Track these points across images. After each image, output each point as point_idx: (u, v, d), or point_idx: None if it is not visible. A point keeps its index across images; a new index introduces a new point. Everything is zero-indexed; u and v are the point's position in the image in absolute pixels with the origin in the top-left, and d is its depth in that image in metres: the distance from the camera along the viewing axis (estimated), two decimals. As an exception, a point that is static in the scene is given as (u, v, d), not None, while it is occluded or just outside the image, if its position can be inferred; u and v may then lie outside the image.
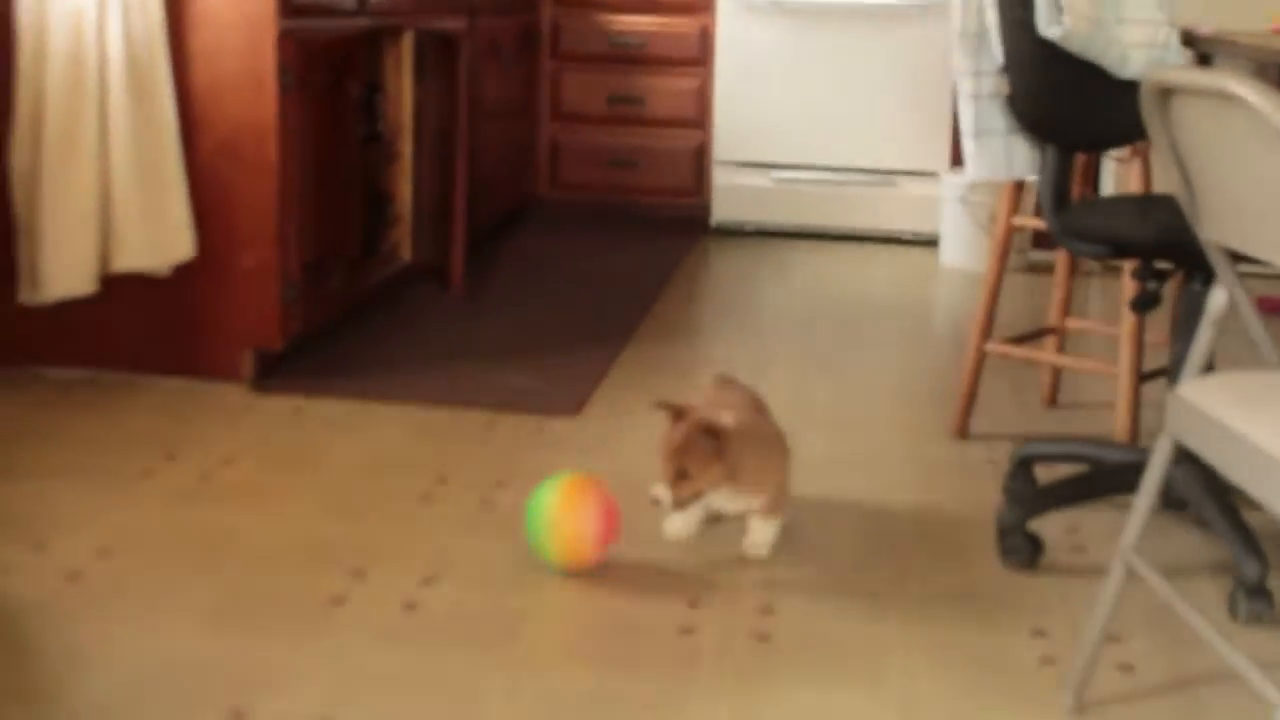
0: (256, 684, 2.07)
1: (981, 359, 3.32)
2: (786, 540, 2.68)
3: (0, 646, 2.16)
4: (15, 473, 2.81)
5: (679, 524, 2.64)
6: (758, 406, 2.67)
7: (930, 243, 5.63)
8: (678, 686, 2.13)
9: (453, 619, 2.31)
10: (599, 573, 2.49)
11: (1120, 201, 2.75)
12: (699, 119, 5.72)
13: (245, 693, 2.04)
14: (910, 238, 5.69)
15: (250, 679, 2.09)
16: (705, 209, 5.76)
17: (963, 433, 3.33)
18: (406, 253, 4.39)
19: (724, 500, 2.53)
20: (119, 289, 3.38)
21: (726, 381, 2.75)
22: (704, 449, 2.43)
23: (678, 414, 2.47)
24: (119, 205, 3.24)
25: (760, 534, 2.59)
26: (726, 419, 2.48)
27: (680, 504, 2.45)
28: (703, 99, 5.71)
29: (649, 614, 2.35)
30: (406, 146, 4.32)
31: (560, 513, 2.44)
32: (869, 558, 2.62)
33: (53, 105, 3.17)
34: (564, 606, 2.36)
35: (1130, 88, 2.69)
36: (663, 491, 2.44)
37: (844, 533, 2.75)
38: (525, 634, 2.26)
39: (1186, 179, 1.86)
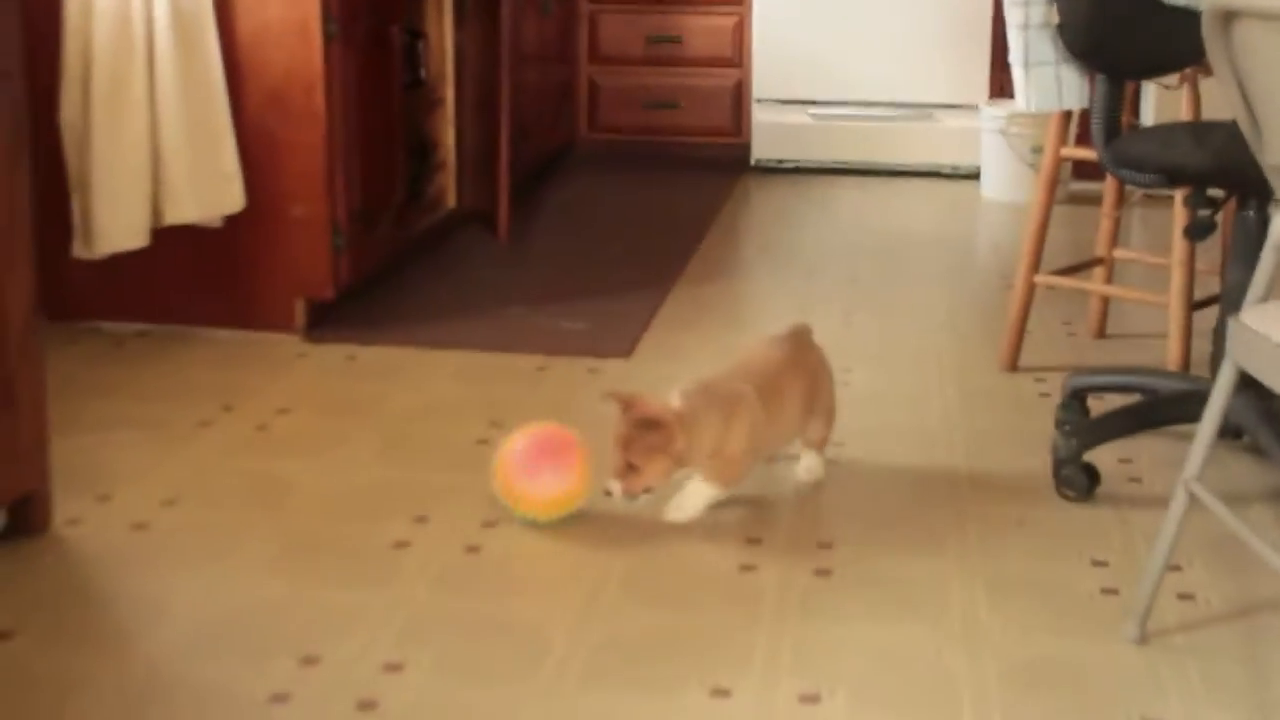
0: (325, 629, 2.09)
1: (1031, 291, 3.29)
2: (841, 476, 2.68)
3: (74, 597, 2.19)
4: (76, 426, 2.83)
5: (688, 508, 2.51)
6: (788, 369, 2.51)
7: (971, 176, 5.57)
8: (741, 623, 2.13)
9: (515, 561, 2.32)
10: (657, 515, 2.48)
11: (1173, 129, 2.71)
12: (737, 57, 5.67)
13: (315, 639, 2.06)
14: (950, 171, 5.63)
15: (319, 625, 2.10)
16: (745, 148, 5.71)
17: (1012, 366, 3.31)
18: (451, 199, 4.37)
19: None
20: (170, 242, 3.38)
21: (782, 339, 2.61)
22: (647, 442, 2.36)
23: (625, 404, 2.39)
24: (169, 158, 3.24)
25: (688, 497, 2.46)
26: (673, 405, 2.39)
27: (631, 496, 2.39)
28: (741, 37, 5.65)
29: (709, 553, 2.35)
30: (448, 92, 4.30)
31: (500, 480, 2.43)
32: (924, 493, 2.62)
33: (100, 60, 3.16)
34: (624, 547, 2.37)
35: (1182, 13, 2.64)
36: (614, 485, 2.39)
37: (897, 468, 2.74)
38: (587, 575, 2.27)
39: (1248, 105, 1.83)
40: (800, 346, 2.64)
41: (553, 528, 2.43)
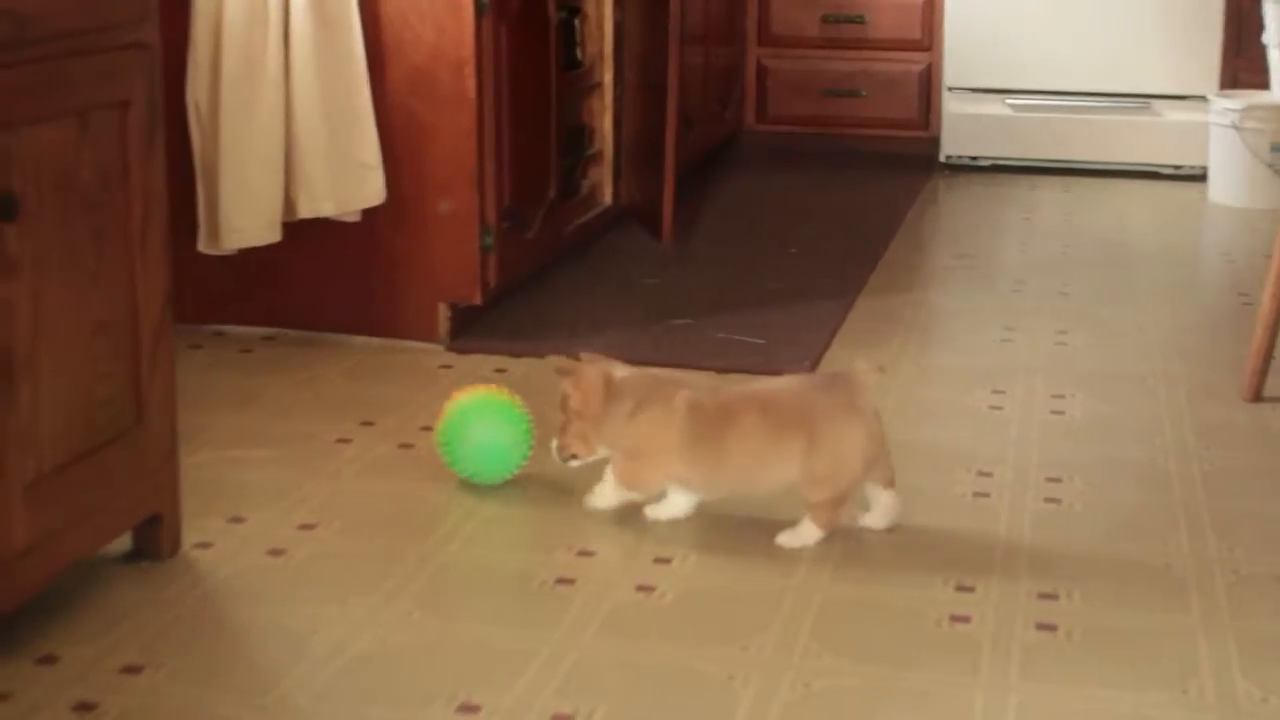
0: (483, 674, 2.08)
1: (1279, 309, 3.19)
2: (1062, 517, 2.62)
3: (205, 628, 2.21)
4: (206, 440, 2.87)
5: (670, 506, 2.57)
6: (775, 413, 2.48)
7: (1195, 177, 5.45)
8: (956, 681, 2.08)
9: (693, 601, 2.29)
10: (844, 546, 2.44)
11: None
12: (927, 39, 5.61)
13: (472, 683, 2.05)
14: (1171, 172, 5.51)
15: (476, 668, 2.09)
16: (934, 142, 5.65)
17: (1257, 395, 3.21)
18: (607, 195, 4.38)
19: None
20: (303, 237, 3.42)
21: (816, 384, 2.59)
22: (566, 398, 2.54)
23: (565, 368, 2.58)
24: (304, 145, 3.28)
25: (602, 486, 2.58)
26: (612, 373, 2.53)
27: (561, 457, 2.56)
28: (931, 16, 5.59)
29: (914, 599, 2.30)
30: (606, 76, 4.31)
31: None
32: (1159, 538, 2.54)
33: (231, 36, 3.21)
34: (816, 586, 2.33)
35: None
36: (553, 441, 2.58)
37: (1126, 509, 2.67)
38: (776, 619, 2.23)
39: None
40: (816, 397, 2.51)
41: (735, 563, 2.40)
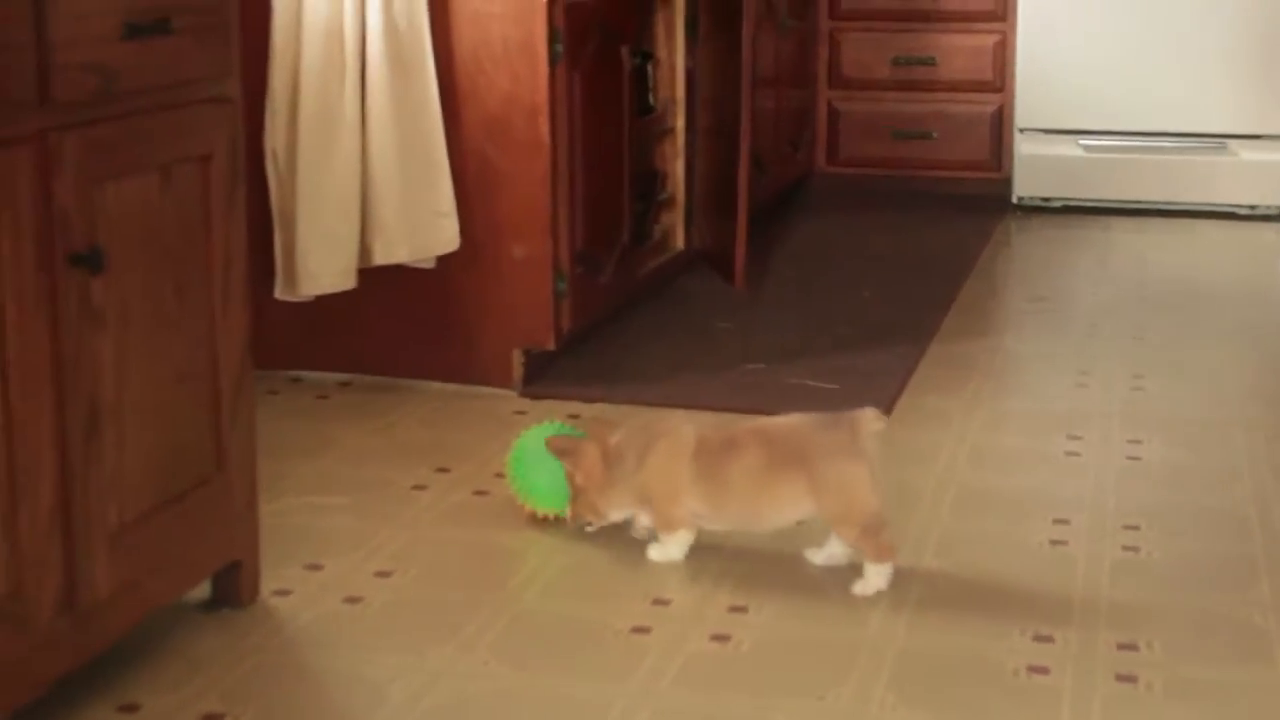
0: (561, 723, 2.08)
1: (1362, 354, 3.16)
2: (1138, 566, 2.59)
3: (284, 676, 2.23)
4: (284, 487, 2.89)
5: (669, 549, 2.61)
6: (780, 446, 2.54)
7: (1272, 217, 5.40)
8: (1036, 736, 2.07)
9: (769, 651, 2.29)
10: (920, 594, 2.43)
11: None
12: (999, 80, 5.60)
13: (549, 733, 2.06)
14: (1248, 212, 5.46)
15: (551, 718, 2.10)
16: (1006, 183, 5.63)
17: (1339, 441, 3.18)
18: (679, 239, 4.39)
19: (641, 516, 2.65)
20: (378, 284, 3.45)
21: (816, 421, 2.59)
22: (571, 475, 2.63)
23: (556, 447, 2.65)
24: (380, 192, 3.31)
25: (657, 548, 2.62)
26: (608, 440, 2.62)
27: (577, 525, 2.66)
28: (1002, 57, 5.58)
29: (992, 649, 2.29)
30: (679, 120, 4.33)
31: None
32: (1240, 588, 2.51)
33: (309, 84, 3.25)
34: (892, 636, 2.32)
35: None
36: (567, 509, 2.69)
37: (1205, 559, 2.64)
38: (855, 669, 2.22)
39: None
40: (816, 436, 2.54)
41: (811, 617, 2.40)
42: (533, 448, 2.73)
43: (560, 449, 2.63)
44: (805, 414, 2.63)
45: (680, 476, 2.57)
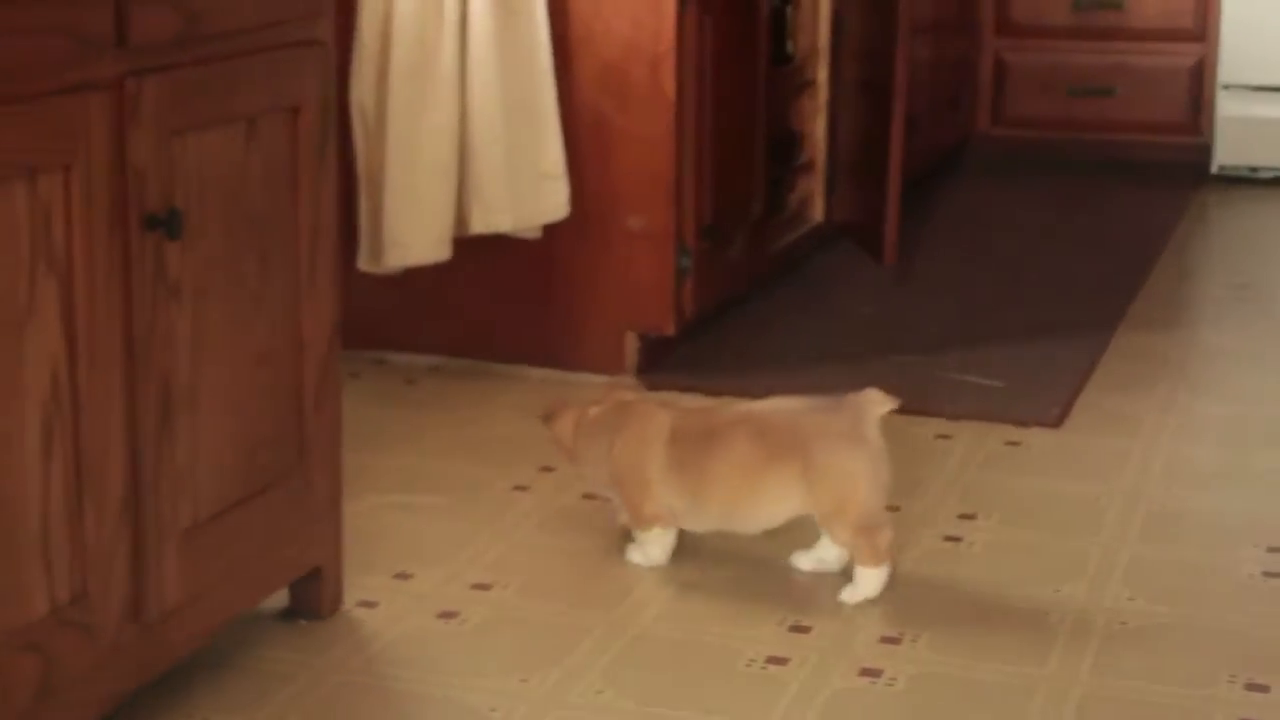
0: (686, 763, 2.12)
1: None
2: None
3: (373, 696, 2.29)
4: (368, 484, 2.96)
5: (648, 549, 2.68)
6: (768, 435, 2.59)
7: None
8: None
9: (927, 690, 2.31)
10: (1107, 628, 2.44)
11: None
12: (1199, 28, 5.56)
13: (673, 773, 2.09)
14: None
15: (677, 756, 2.14)
16: (1206, 149, 5.60)
17: None
18: (819, 210, 4.42)
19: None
20: (476, 255, 3.51)
21: (819, 406, 2.65)
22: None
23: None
24: (480, 151, 3.36)
25: (635, 549, 2.69)
26: (590, 410, 2.70)
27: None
28: (1205, 1, 5.54)
29: (1189, 696, 2.30)
30: (821, 72, 4.35)
31: None
32: None
33: (401, 29, 3.31)
34: (1077, 674, 2.33)
35: None
36: None
37: None
38: (1029, 718, 2.25)
39: None
40: (815, 421, 2.59)
41: (960, 643, 2.42)
42: None
43: (544, 412, 2.76)
44: (798, 396, 2.67)
45: (650, 466, 2.62)
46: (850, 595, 2.56)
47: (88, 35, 1.89)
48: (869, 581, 2.56)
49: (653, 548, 2.67)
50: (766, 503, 2.60)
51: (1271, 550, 2.77)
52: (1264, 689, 2.33)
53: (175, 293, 2.06)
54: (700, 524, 2.67)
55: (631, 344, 3.54)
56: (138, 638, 2.05)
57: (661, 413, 2.68)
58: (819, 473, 2.55)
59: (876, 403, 2.58)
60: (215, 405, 2.16)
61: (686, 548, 2.73)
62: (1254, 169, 5.56)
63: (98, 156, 1.92)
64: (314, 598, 2.45)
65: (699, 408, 2.76)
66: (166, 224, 2.01)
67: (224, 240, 2.16)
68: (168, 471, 2.07)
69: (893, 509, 2.90)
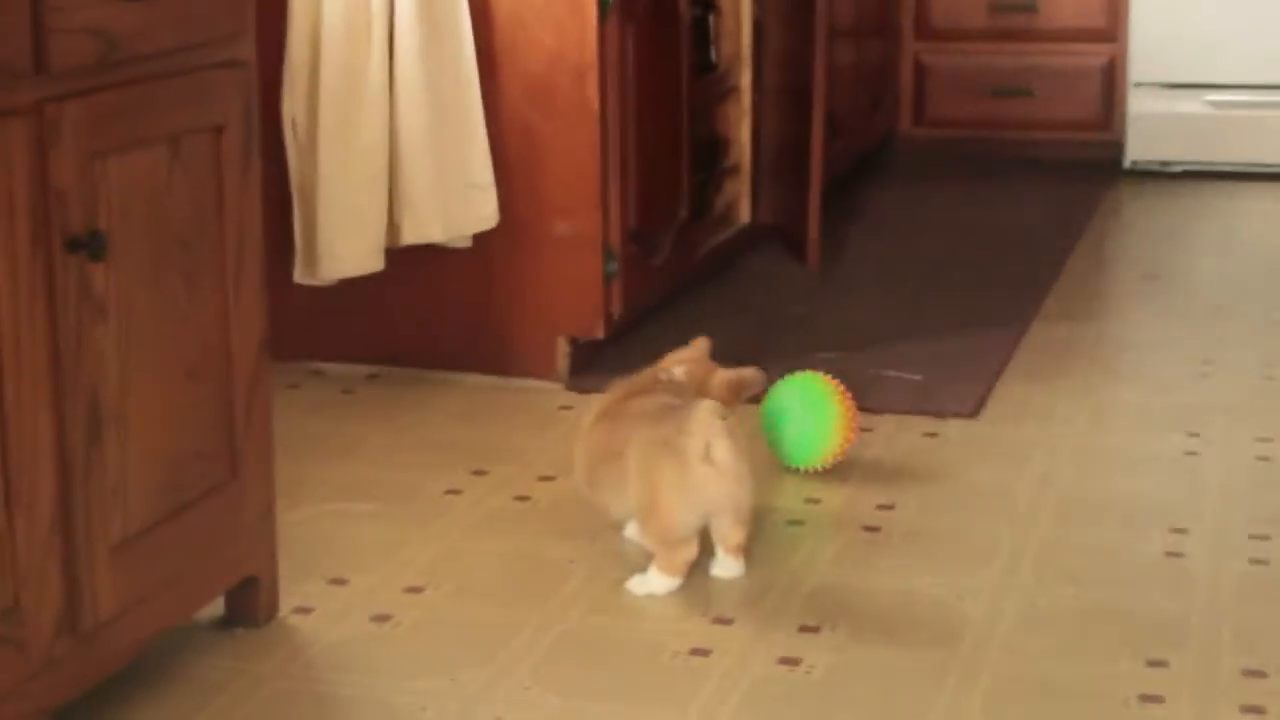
0: (612, 756, 2.12)
1: None
2: (1267, 582, 2.60)
3: (308, 700, 2.27)
4: (305, 493, 2.94)
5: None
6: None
7: None
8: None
9: (844, 677, 2.31)
10: (1017, 613, 2.46)
11: None
12: (1111, 29, 5.60)
13: (600, 767, 2.10)
14: (1395, 176, 5.45)
15: (604, 750, 2.14)
16: (1118, 146, 5.63)
17: None
18: (745, 212, 4.42)
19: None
20: (408, 266, 3.50)
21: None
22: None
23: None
24: (409, 164, 3.35)
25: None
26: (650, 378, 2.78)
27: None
28: (1116, 1, 5.57)
29: (1095, 675, 2.31)
30: (744, 78, 4.35)
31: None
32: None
33: (330, 45, 3.29)
34: (988, 657, 2.34)
35: None
36: None
37: (1345, 572, 2.65)
38: (939, 702, 2.25)
39: None
40: (643, 423, 2.62)
41: (876, 632, 2.43)
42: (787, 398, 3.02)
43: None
44: (664, 399, 2.68)
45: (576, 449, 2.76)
46: (637, 586, 2.57)
47: (6, 63, 1.87)
48: (658, 582, 2.57)
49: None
50: (609, 494, 2.65)
51: (1175, 531, 2.79)
52: (1164, 664, 2.35)
53: (101, 311, 2.05)
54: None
55: (563, 348, 3.54)
56: (72, 651, 2.03)
57: (597, 403, 2.75)
58: (632, 475, 2.57)
59: (703, 418, 2.50)
60: (145, 420, 2.15)
61: (621, 546, 2.73)
62: (1164, 163, 5.59)
63: (19, 181, 1.90)
64: (250, 606, 2.44)
65: (626, 394, 2.76)
66: (89, 245, 1.99)
67: (149, 258, 2.14)
68: (98, 486, 2.05)
69: (813, 502, 2.93)
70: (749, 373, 2.88)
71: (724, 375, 2.83)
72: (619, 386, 2.78)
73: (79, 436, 2.01)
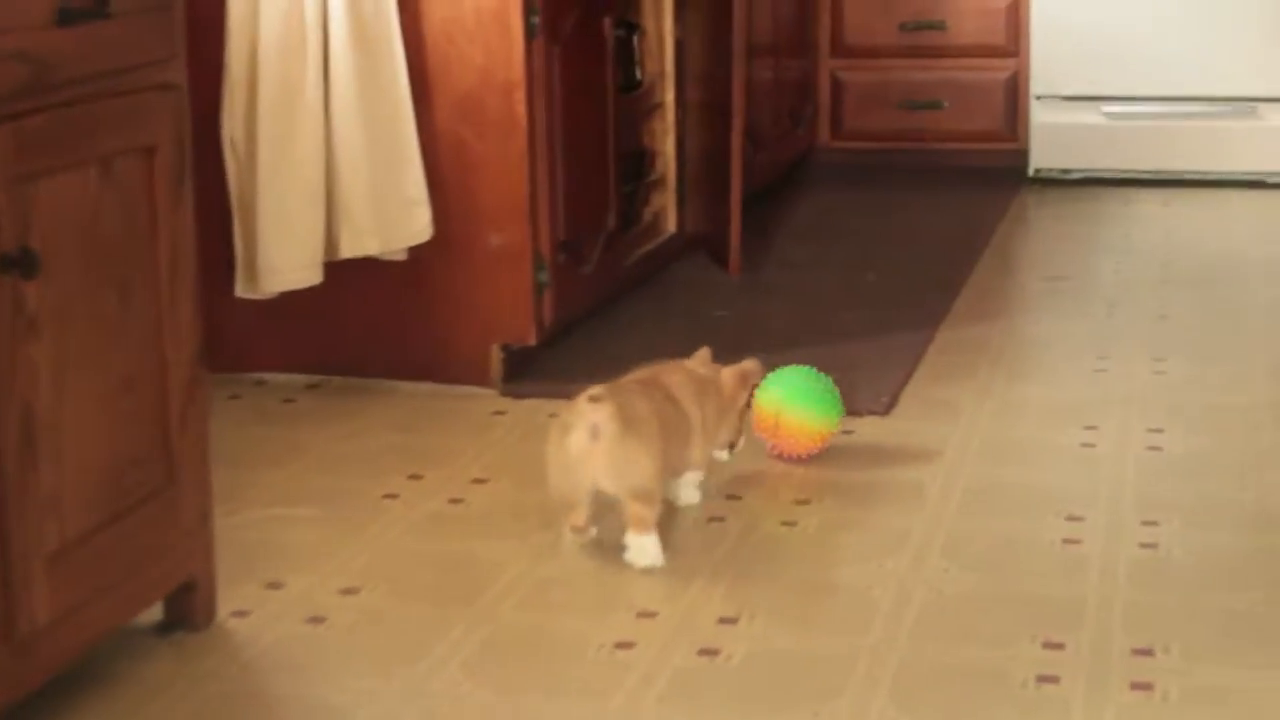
0: (537, 747, 2.08)
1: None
2: (1156, 565, 2.59)
3: (246, 701, 2.23)
4: (246, 499, 2.89)
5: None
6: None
7: (1307, 186, 5.40)
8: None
9: (761, 665, 2.28)
10: (923, 601, 2.43)
11: None
12: (1013, 45, 5.59)
13: (526, 758, 2.06)
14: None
15: (530, 741, 2.10)
16: (1022, 155, 5.63)
17: (1377, 427, 3.17)
18: (671, 223, 4.39)
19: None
20: (346, 278, 3.45)
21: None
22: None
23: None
24: (346, 179, 3.31)
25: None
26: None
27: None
28: (1016, 19, 5.57)
29: (995, 659, 2.28)
30: (668, 95, 4.32)
31: None
32: (1264, 583, 2.52)
33: (267, 64, 3.24)
34: (895, 643, 2.31)
35: None
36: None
37: (1229, 557, 2.64)
38: (849, 685, 2.23)
39: None
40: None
41: (791, 622, 2.40)
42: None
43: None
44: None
45: None
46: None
47: (-67, 88, 1.82)
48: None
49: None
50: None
51: (1071, 519, 2.77)
52: (1060, 646, 2.33)
53: (33, 327, 1.99)
54: None
55: (496, 356, 3.49)
56: (8, 657, 1.97)
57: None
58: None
59: (582, 405, 2.60)
60: (80, 431, 2.09)
61: (550, 545, 2.69)
62: (1065, 171, 5.60)
63: (-51, 203, 1.85)
64: (188, 610, 2.38)
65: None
66: (20, 264, 1.93)
67: (82, 275, 2.09)
68: (33, 496, 1.99)
69: (734, 498, 2.90)
70: (750, 364, 2.95)
71: (730, 370, 2.90)
72: (629, 381, 2.80)
73: (11, 449, 1.95)
